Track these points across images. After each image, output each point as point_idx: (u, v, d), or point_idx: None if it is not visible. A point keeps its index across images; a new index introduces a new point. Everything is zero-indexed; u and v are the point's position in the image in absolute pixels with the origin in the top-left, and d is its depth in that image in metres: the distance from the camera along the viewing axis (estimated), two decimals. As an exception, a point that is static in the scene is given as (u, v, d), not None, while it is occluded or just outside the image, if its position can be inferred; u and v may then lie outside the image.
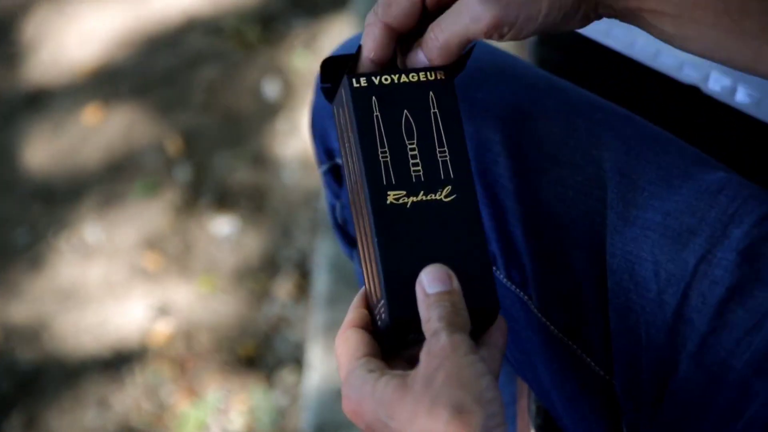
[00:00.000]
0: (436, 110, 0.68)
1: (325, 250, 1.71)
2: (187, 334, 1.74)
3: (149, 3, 2.16)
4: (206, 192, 1.88)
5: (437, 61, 0.68)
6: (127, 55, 2.10)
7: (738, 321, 0.68)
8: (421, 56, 0.68)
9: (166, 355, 1.72)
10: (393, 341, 0.65)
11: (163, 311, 1.76)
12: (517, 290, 0.77)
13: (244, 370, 1.70)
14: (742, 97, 0.96)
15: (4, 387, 1.72)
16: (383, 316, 0.64)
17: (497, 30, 0.65)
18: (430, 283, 0.61)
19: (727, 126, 0.98)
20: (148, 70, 2.06)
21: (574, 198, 0.75)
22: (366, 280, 0.67)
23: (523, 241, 0.76)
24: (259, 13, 2.10)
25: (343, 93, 0.68)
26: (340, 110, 0.70)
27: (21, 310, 1.80)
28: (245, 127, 1.96)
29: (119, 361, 1.72)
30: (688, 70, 0.98)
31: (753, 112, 0.96)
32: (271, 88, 2.00)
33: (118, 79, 2.06)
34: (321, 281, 1.68)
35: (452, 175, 0.66)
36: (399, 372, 0.60)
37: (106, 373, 1.72)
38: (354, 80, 0.68)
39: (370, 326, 0.65)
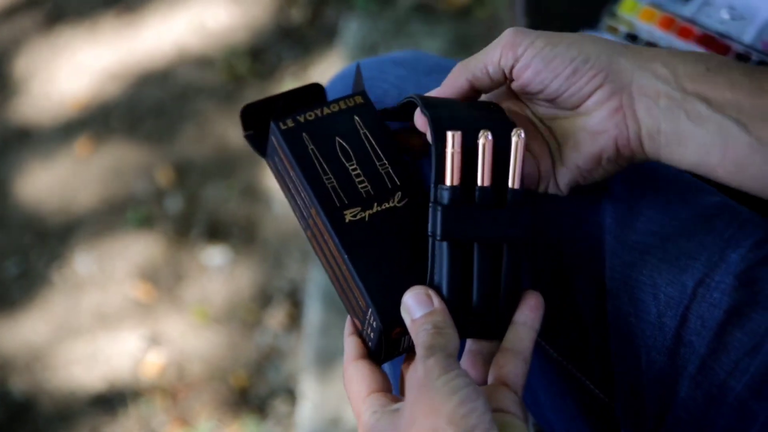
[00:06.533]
0: (365, 130, 0.72)
1: (316, 279, 1.71)
2: (179, 365, 1.73)
3: (140, 36, 2.17)
4: (198, 223, 1.88)
5: None
6: (118, 88, 2.10)
7: (737, 343, 0.69)
8: None
9: (158, 386, 1.71)
10: (389, 346, 0.67)
11: (155, 342, 1.76)
12: (517, 315, 0.78)
13: (236, 400, 1.69)
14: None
15: (-3, 417, 1.72)
16: (374, 323, 0.66)
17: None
18: (414, 307, 0.63)
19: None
20: (140, 103, 2.07)
21: (571, 224, 0.76)
22: (347, 303, 0.69)
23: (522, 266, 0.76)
24: (250, 45, 2.11)
25: (274, 139, 0.72)
26: (275, 157, 0.73)
27: (13, 340, 1.79)
28: (236, 158, 1.96)
29: (111, 392, 1.72)
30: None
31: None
32: (261, 120, 2.00)
33: (110, 111, 2.06)
34: (313, 311, 1.68)
35: (398, 182, 0.70)
36: (396, 406, 0.63)
37: (99, 403, 1.71)
38: (281, 123, 0.71)
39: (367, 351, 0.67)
